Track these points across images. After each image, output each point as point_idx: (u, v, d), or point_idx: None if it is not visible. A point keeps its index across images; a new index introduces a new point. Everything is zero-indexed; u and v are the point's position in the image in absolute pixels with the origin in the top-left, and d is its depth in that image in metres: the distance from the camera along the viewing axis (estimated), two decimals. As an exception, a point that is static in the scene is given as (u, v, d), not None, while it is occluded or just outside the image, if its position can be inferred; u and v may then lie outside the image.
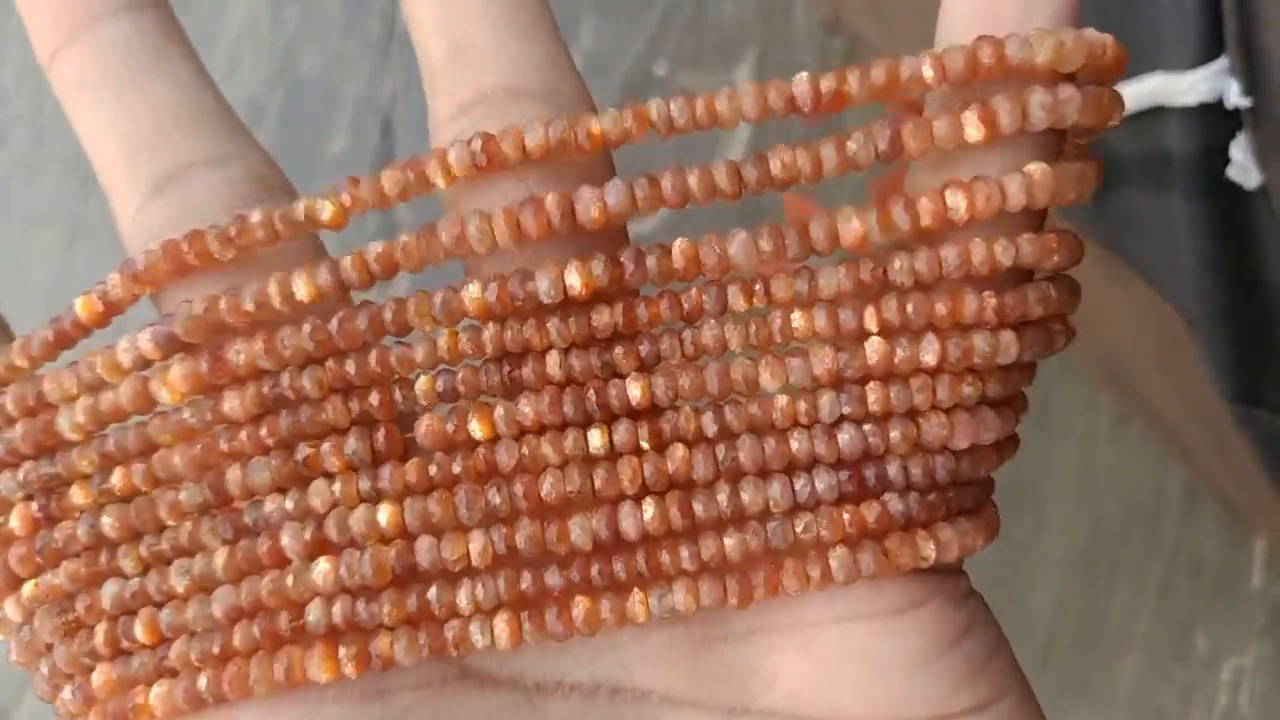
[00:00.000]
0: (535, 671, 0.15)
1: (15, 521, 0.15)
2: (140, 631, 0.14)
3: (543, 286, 0.14)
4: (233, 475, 0.14)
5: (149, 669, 0.14)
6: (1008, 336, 0.14)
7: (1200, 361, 0.31)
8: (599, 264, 0.14)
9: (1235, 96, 0.25)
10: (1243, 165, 0.26)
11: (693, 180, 0.14)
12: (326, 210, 0.15)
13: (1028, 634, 0.52)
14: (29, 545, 0.15)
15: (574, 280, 0.14)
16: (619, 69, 0.51)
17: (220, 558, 0.14)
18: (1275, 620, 0.53)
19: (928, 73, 0.14)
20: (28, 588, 0.15)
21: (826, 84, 0.14)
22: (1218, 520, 0.52)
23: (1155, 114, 0.27)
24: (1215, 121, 0.26)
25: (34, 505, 0.15)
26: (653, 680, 0.15)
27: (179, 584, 0.14)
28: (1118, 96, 0.14)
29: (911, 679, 0.14)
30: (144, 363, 0.15)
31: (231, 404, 0.14)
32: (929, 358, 0.14)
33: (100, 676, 0.15)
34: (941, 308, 0.14)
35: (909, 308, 0.14)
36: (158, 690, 0.14)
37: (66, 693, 0.15)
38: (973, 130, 0.14)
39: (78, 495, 0.15)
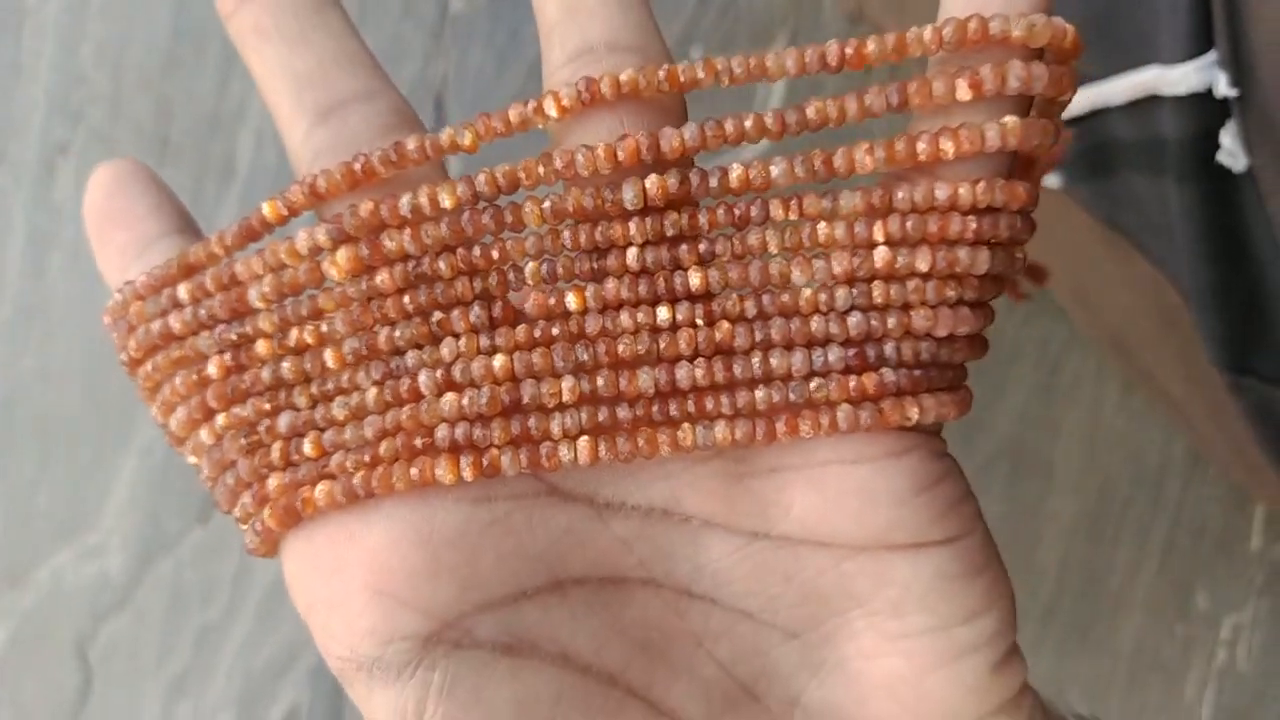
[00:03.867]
0: (604, 492, 0.19)
1: (212, 368, 0.19)
2: (308, 447, 0.18)
3: (628, 195, 0.18)
4: (383, 333, 0.18)
5: (313, 474, 0.18)
6: (983, 252, 0.18)
7: (1195, 333, 0.32)
8: (673, 177, 0.18)
9: (1224, 87, 0.26)
10: (1231, 150, 0.27)
11: (748, 123, 0.18)
12: (466, 137, 0.18)
13: (1036, 589, 0.54)
14: (223, 386, 0.19)
15: (653, 189, 0.18)
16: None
17: (371, 393, 0.18)
18: (1273, 580, 0.55)
19: (928, 36, 0.17)
20: (220, 418, 0.19)
21: (850, 47, 0.18)
22: (1219, 484, 0.53)
23: (1151, 102, 0.29)
24: (1206, 110, 0.27)
25: (226, 357, 0.19)
26: (695, 506, 0.18)
27: (339, 414, 0.18)
28: (1074, 74, 0.18)
29: (897, 510, 0.18)
30: (317, 250, 0.19)
31: (383, 279, 0.18)
32: (922, 265, 0.17)
33: (275, 481, 0.19)
34: (933, 226, 0.17)
35: (908, 225, 0.17)
36: (322, 487, 0.18)
37: (245, 497, 0.19)
38: (963, 91, 0.17)
39: (262, 348, 0.19)
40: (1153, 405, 0.51)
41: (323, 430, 0.19)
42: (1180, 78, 0.27)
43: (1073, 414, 0.54)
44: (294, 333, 0.19)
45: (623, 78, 0.18)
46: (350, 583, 0.18)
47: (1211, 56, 0.27)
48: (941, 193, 0.17)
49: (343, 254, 0.18)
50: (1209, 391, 0.36)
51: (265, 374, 0.19)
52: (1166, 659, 0.55)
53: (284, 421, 0.19)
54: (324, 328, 0.19)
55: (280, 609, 0.55)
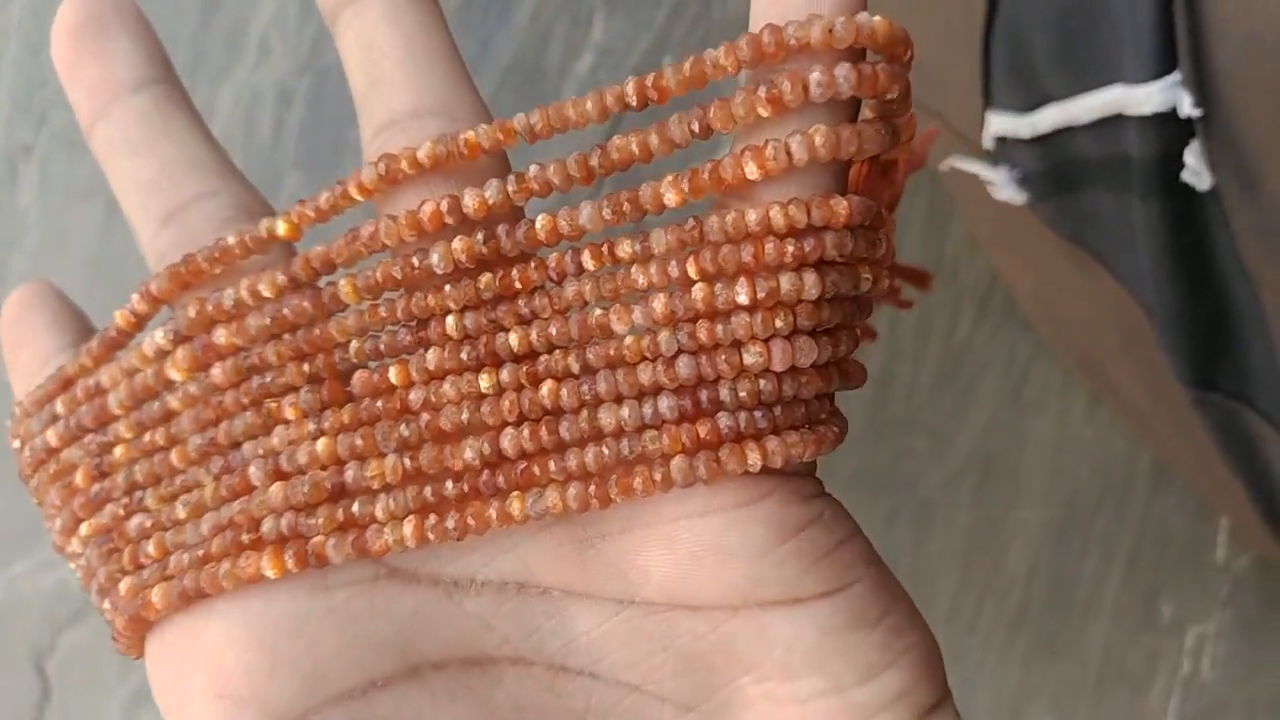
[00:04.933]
0: (449, 570, 0.18)
1: (78, 477, 0.19)
2: (151, 548, 0.18)
3: (434, 259, 0.17)
4: (223, 428, 0.18)
5: (156, 576, 0.18)
6: (810, 276, 0.16)
7: (1160, 349, 0.33)
8: (479, 236, 0.17)
9: (1188, 107, 0.27)
10: (1195, 169, 0.28)
11: (551, 172, 0.17)
12: (281, 227, 0.18)
13: (1003, 597, 0.54)
14: (86, 494, 0.19)
15: (460, 250, 0.17)
16: (628, 62, 0.53)
17: (209, 490, 0.18)
18: (1237, 591, 0.55)
19: (724, 60, 0.16)
20: (84, 527, 0.19)
21: (650, 81, 0.17)
22: (1185, 496, 0.54)
23: (1116, 121, 0.29)
24: (1170, 129, 0.28)
25: (91, 464, 0.19)
26: (549, 576, 0.17)
27: (181, 512, 0.18)
28: (895, 71, 0.16)
29: (757, 564, 0.16)
30: (162, 353, 0.19)
31: (216, 374, 0.18)
32: (742, 297, 0.16)
33: (125, 586, 0.18)
34: (746, 256, 0.16)
35: (721, 256, 0.16)
36: (159, 590, 0.18)
37: (105, 602, 0.19)
38: (762, 109, 0.16)
39: (119, 453, 0.19)
40: (1119, 417, 0.52)
41: (167, 529, 0.18)
42: (1145, 97, 0.28)
43: (1040, 425, 0.55)
44: (148, 435, 0.19)
45: (420, 154, 0.17)
46: (192, 686, 0.17)
47: (1176, 77, 0.27)
48: (751, 217, 0.16)
49: (180, 353, 0.18)
50: (1174, 406, 0.37)
51: (121, 478, 0.19)
52: (1132, 668, 0.55)
53: (133, 524, 0.19)
54: (174, 428, 0.19)
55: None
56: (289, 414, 0.18)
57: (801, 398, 0.17)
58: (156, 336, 0.19)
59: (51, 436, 0.20)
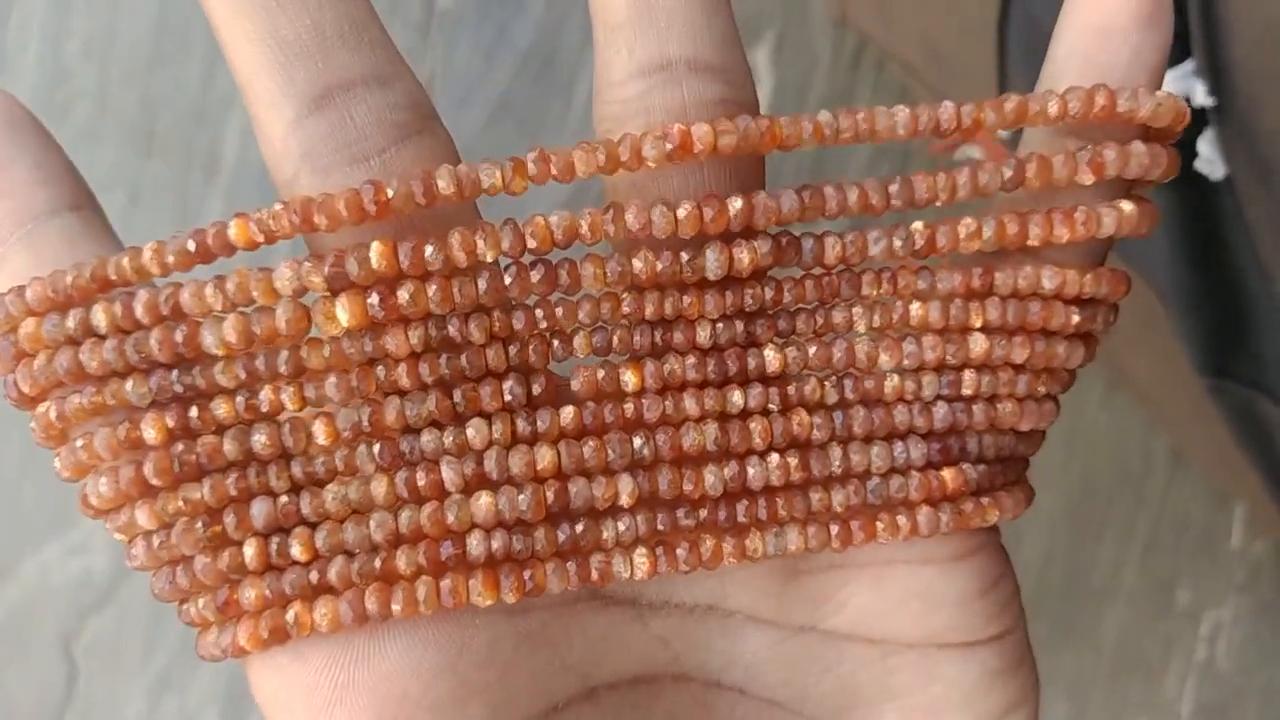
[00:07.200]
0: (650, 593, 0.17)
1: (150, 432, 0.15)
2: (297, 549, 0.15)
3: (710, 264, 0.15)
4: (392, 406, 0.15)
5: (304, 584, 0.15)
6: (1080, 348, 0.17)
7: (1174, 337, 0.33)
8: (764, 245, 0.16)
9: (1201, 96, 0.27)
10: (1209, 159, 0.28)
11: (851, 195, 0.16)
12: (517, 183, 0.15)
13: (1019, 585, 0.54)
14: (166, 457, 0.15)
15: (743, 258, 0.15)
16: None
17: (380, 484, 0.15)
18: (1253, 577, 0.55)
19: (1052, 109, 0.16)
20: (168, 502, 0.15)
21: (967, 111, 0.16)
22: (1201, 482, 0.54)
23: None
24: (1184, 118, 0.28)
25: (167, 416, 0.15)
26: (743, 602, 0.18)
27: (334, 506, 0.15)
28: (1177, 159, 0.17)
29: (958, 612, 0.18)
30: (302, 292, 0.15)
31: (396, 340, 0.15)
32: (1019, 356, 0.17)
33: (252, 591, 0.15)
34: (1033, 314, 0.16)
35: (1009, 312, 0.16)
36: (324, 611, 0.15)
37: (204, 602, 0.16)
38: (1085, 176, 0.16)
39: (223, 410, 0.15)
40: (1135, 405, 0.52)
41: (312, 525, 0.15)
42: (1159, 87, 0.28)
43: (1056, 412, 0.55)
44: (266, 392, 0.15)
45: (722, 139, 0.15)
46: (356, 714, 0.15)
47: (1189, 66, 0.27)
48: (1050, 281, 0.16)
49: (347, 304, 0.15)
50: (1189, 393, 0.37)
51: (229, 445, 0.15)
52: (1148, 654, 0.56)
53: (259, 512, 0.15)
54: (310, 391, 0.15)
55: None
56: (489, 407, 0.15)
57: (1023, 456, 0.18)
58: (309, 273, 0.15)
59: (89, 358, 0.15)
